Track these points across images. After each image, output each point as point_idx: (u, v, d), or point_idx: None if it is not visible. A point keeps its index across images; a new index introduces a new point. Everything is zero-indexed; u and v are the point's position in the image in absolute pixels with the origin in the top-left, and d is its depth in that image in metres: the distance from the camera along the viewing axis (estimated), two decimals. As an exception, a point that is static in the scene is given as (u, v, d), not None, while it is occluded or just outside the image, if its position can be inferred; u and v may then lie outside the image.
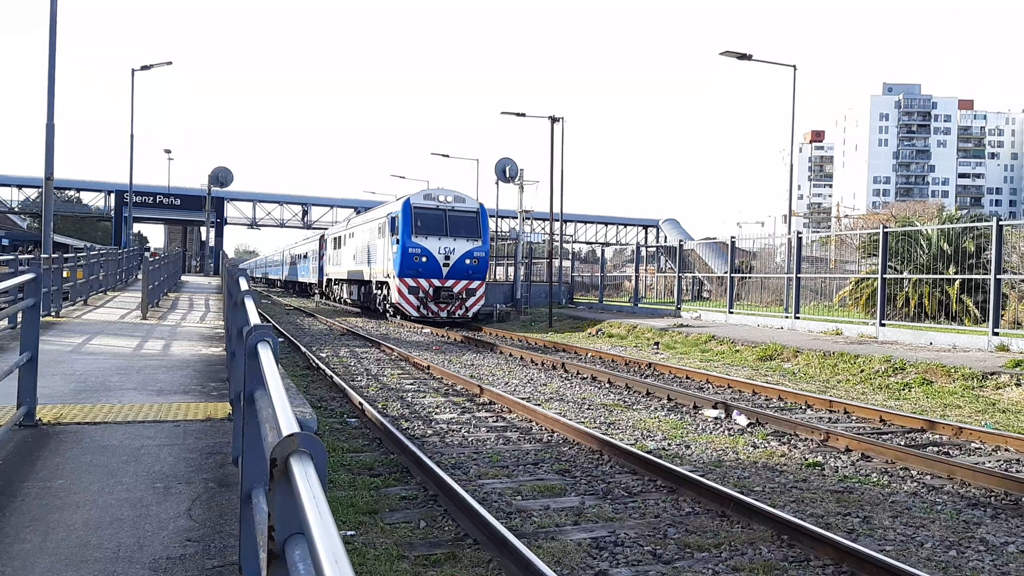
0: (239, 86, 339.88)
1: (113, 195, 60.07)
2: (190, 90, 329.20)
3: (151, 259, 21.69)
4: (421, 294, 23.75)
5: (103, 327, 13.59)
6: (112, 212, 60.71)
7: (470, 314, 24.50)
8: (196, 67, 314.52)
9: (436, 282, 23.89)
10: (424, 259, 23.67)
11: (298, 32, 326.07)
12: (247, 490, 2.78)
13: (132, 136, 34.23)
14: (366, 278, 28.45)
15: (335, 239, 36.17)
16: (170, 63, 33.60)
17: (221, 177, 42.42)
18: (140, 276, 20.87)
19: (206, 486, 4.31)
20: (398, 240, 23.81)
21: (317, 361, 13.60)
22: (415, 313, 23.65)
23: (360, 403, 9.23)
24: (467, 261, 24.18)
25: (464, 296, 24.29)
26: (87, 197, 65.76)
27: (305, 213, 67.33)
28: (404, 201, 24.43)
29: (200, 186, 55.01)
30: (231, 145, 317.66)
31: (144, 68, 33.07)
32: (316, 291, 42.71)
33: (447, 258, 23.92)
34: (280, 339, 17.96)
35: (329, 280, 37.72)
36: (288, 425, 1.84)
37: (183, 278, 40.78)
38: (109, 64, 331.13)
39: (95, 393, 6.96)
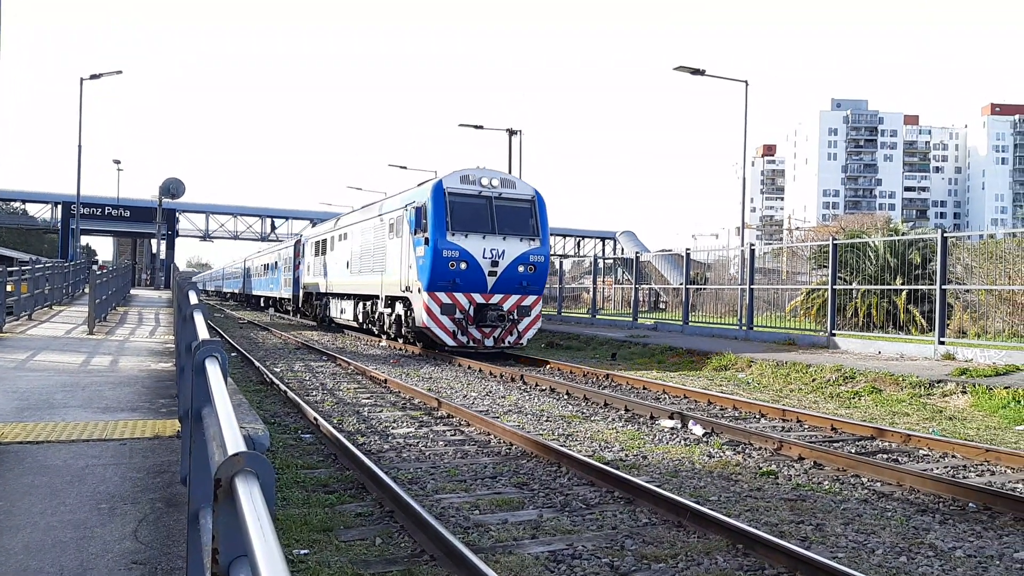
0: (191, 96, 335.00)
1: (60, 207, 58.68)
2: (140, 100, 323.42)
3: (99, 272, 21.18)
4: (458, 314, 17.46)
5: (48, 342, 13.21)
6: (59, 224, 59.28)
7: (523, 341, 18.29)
8: (147, 76, 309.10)
9: (479, 297, 17.64)
10: (463, 265, 17.42)
11: (250, 43, 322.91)
12: (194, 510, 2.70)
13: (80, 146, 33.49)
14: (370, 292, 22.01)
15: (318, 243, 29.61)
16: (120, 72, 33.03)
17: (172, 188, 41.63)
18: (87, 290, 20.35)
19: (153, 506, 4.20)
20: (427, 239, 17.50)
21: (271, 376, 13.38)
22: (450, 341, 17.51)
23: (315, 418, 9.09)
24: (520, 268, 17.95)
25: (515, 317, 18.00)
26: (33, 209, 64.11)
27: (272, 227, 66.48)
28: (434, 185, 17.90)
29: (151, 198, 53.97)
30: (183, 156, 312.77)
31: (93, 77, 32.42)
32: (290, 307, 36.53)
33: (494, 264, 17.67)
34: (233, 354, 17.63)
35: (309, 294, 31.28)
36: (234, 444, 1.79)
37: (133, 292, 39.90)
38: (56, 72, 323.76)
39: (38, 411, 6.74)
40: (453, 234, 17.43)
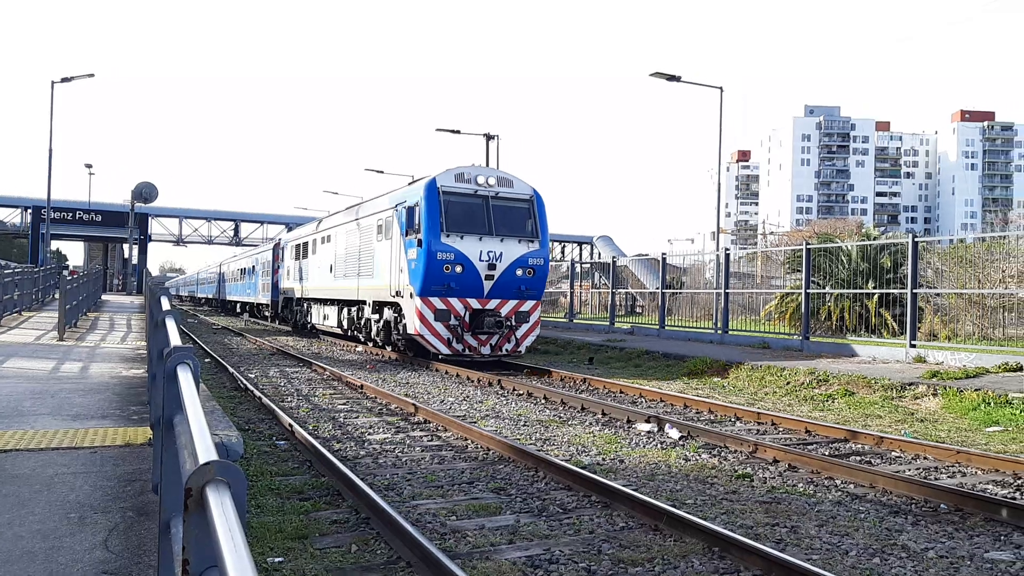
0: (164, 100, 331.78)
1: (30, 211, 57.82)
2: (113, 103, 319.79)
3: (69, 278, 20.88)
4: (453, 321, 16.34)
5: (16, 349, 12.99)
6: (29, 229, 58.42)
7: (521, 349, 17.21)
8: (119, 80, 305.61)
9: (475, 303, 16.52)
10: (459, 268, 16.31)
11: (224, 46, 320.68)
12: (166, 520, 2.66)
13: (51, 150, 33.03)
14: (356, 297, 20.70)
15: (299, 246, 28.26)
16: (92, 75, 32.60)
17: (145, 192, 41.17)
18: (58, 295, 20.04)
19: (124, 515, 4.13)
20: (420, 240, 16.33)
21: (245, 382, 13.25)
22: (444, 349, 16.41)
23: (290, 424, 9.00)
24: (518, 271, 16.84)
25: (513, 323, 16.92)
26: (2, 213, 63.07)
27: (236, 231, 65.88)
28: (427, 183, 16.67)
29: (123, 202, 53.34)
30: (156, 160, 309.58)
31: (65, 80, 31.99)
32: (268, 313, 35.19)
33: (491, 267, 16.57)
34: (206, 359, 17.45)
35: (289, 299, 29.91)
36: (205, 452, 1.76)
37: (104, 297, 39.39)
38: (27, 75, 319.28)
39: (6, 419, 6.61)
40: (448, 235, 16.30)
